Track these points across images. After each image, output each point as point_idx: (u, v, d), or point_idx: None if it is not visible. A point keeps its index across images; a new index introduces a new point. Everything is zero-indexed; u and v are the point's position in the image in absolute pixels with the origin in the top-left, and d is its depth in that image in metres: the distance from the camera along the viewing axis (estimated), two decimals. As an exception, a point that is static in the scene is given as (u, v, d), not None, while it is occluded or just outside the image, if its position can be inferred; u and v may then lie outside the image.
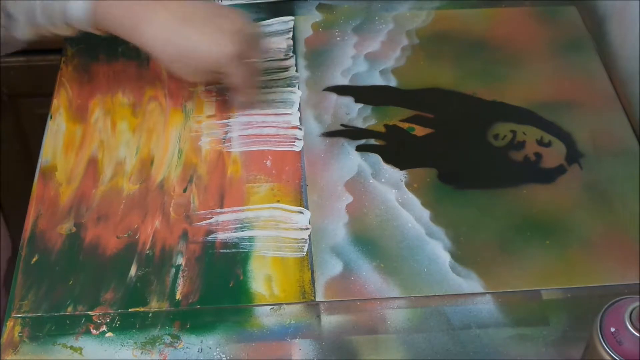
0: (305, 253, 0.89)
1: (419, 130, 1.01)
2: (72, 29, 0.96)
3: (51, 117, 1.02)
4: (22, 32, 0.95)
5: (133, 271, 0.87)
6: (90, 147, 0.98)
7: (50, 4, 0.92)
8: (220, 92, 1.04)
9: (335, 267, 0.88)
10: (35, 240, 0.90)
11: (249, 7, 1.15)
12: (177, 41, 0.94)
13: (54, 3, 0.92)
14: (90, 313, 0.84)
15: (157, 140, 1.00)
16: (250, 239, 0.90)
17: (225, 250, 0.89)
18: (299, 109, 1.03)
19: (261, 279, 0.87)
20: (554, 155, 0.98)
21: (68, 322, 0.83)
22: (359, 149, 0.99)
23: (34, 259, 0.88)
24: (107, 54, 1.09)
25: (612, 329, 0.70)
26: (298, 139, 0.99)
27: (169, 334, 0.83)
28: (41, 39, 0.97)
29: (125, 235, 0.90)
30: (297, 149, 0.98)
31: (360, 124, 1.02)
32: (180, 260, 0.88)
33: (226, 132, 1.00)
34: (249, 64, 0.98)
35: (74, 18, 0.94)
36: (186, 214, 0.92)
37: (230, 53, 0.94)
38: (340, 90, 1.06)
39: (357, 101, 1.04)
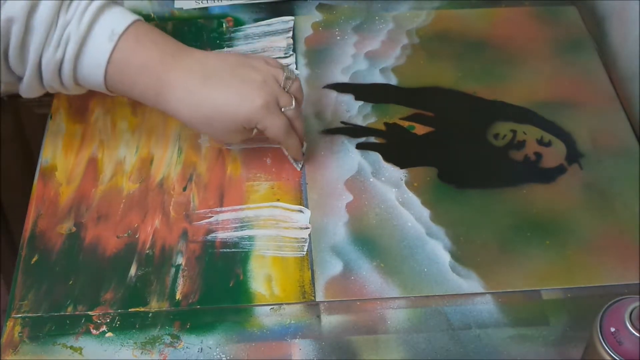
0: (305, 252, 0.89)
1: (419, 129, 1.01)
2: (83, 88, 0.90)
3: (51, 117, 1.02)
4: (26, 89, 0.88)
5: (133, 271, 0.87)
6: (90, 147, 0.98)
7: (61, 57, 0.85)
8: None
9: (335, 266, 0.88)
10: (35, 240, 0.90)
11: (249, 7, 1.15)
12: (203, 104, 0.87)
13: (65, 59, 0.85)
14: (90, 313, 0.84)
15: (156, 138, 1.00)
16: (250, 238, 0.90)
17: (225, 250, 0.89)
18: (299, 107, 1.03)
19: (261, 279, 0.87)
20: (554, 155, 0.98)
21: (68, 322, 0.83)
22: (359, 147, 0.99)
23: (34, 259, 0.88)
24: (107, 53, 1.09)
25: (612, 329, 0.70)
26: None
27: (169, 334, 0.83)
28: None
29: (125, 234, 0.90)
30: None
31: (360, 121, 1.02)
32: (180, 260, 0.88)
33: (226, 130, 1.00)
34: (287, 112, 0.90)
35: (86, 81, 0.87)
36: (186, 213, 0.92)
37: (259, 105, 0.86)
38: (340, 87, 1.06)
39: (357, 99, 1.04)
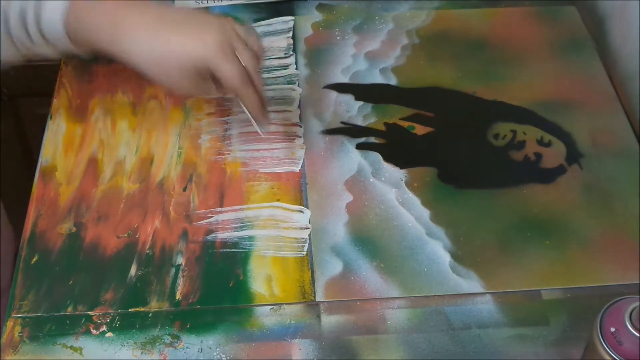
0: (305, 253, 0.89)
1: (419, 129, 1.01)
2: (49, 46, 0.89)
3: (51, 117, 1.02)
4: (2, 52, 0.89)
5: (133, 271, 0.87)
6: (90, 147, 0.98)
7: (25, 4, 0.86)
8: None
9: (335, 267, 0.88)
10: (35, 240, 0.90)
11: (249, 7, 1.15)
12: (156, 47, 0.86)
13: (28, 4, 0.86)
14: (90, 313, 0.84)
15: (157, 139, 1.00)
16: (250, 238, 0.90)
17: (225, 250, 0.89)
18: (299, 106, 1.03)
19: (261, 279, 0.87)
20: (554, 155, 0.98)
21: (68, 322, 0.83)
22: (359, 147, 0.99)
23: (34, 259, 0.88)
24: (107, 53, 1.09)
25: (612, 329, 0.70)
26: (298, 136, 0.99)
27: (169, 334, 0.83)
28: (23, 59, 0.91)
29: (125, 235, 0.90)
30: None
31: (360, 122, 1.02)
32: (180, 260, 0.88)
33: (226, 130, 1.00)
34: (243, 54, 0.88)
35: (49, 27, 0.87)
36: (186, 213, 0.92)
37: (213, 44, 0.85)
38: (340, 87, 1.06)
39: (357, 99, 1.04)
